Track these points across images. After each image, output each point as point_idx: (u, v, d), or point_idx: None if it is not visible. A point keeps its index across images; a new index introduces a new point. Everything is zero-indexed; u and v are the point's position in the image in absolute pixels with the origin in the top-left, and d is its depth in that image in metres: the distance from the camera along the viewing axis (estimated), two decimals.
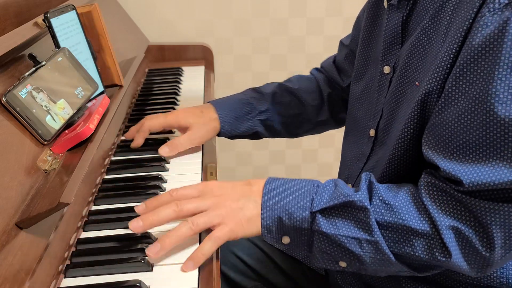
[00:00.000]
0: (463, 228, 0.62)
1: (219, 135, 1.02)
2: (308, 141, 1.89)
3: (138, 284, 0.62)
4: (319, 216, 0.67)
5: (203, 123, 0.98)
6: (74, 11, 0.89)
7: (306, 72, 1.15)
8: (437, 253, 0.64)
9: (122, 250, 0.69)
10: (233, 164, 1.89)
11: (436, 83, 0.67)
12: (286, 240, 0.69)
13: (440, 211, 0.64)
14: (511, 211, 0.60)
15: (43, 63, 0.76)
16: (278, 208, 0.68)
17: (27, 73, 0.73)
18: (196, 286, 0.63)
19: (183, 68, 1.51)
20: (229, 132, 1.02)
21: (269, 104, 1.05)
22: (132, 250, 0.69)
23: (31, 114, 0.70)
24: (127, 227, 0.74)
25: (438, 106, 0.66)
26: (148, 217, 0.67)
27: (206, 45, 1.59)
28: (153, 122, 0.98)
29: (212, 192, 0.71)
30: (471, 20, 0.63)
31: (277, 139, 1.85)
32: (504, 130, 0.59)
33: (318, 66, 1.14)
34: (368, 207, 0.65)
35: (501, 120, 0.59)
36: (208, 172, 0.92)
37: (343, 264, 0.69)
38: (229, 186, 0.72)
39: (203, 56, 1.59)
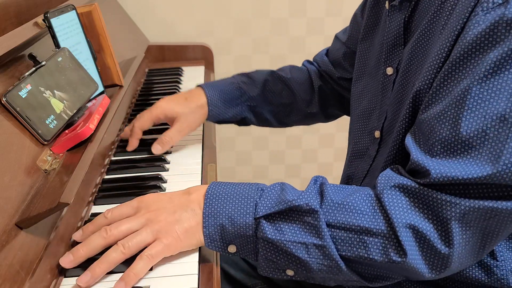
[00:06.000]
0: (421, 225, 0.60)
1: (207, 119, 1.01)
2: (308, 141, 1.89)
3: (138, 284, 0.62)
4: (263, 221, 0.63)
5: (190, 111, 0.98)
6: (74, 11, 0.89)
7: None
8: (392, 254, 0.61)
9: None
10: (233, 164, 1.89)
11: (427, 81, 0.66)
12: (232, 249, 0.65)
13: (397, 209, 0.61)
14: (470, 206, 0.59)
15: (43, 63, 0.76)
16: (221, 215, 0.64)
17: (27, 73, 0.73)
18: (196, 286, 0.63)
19: (183, 68, 1.51)
20: (217, 116, 1.01)
21: (259, 91, 1.04)
22: None
23: (31, 114, 0.70)
24: None
25: (425, 103, 0.65)
26: (78, 249, 0.64)
27: (206, 45, 1.59)
28: (142, 121, 0.98)
29: (148, 208, 0.67)
30: (465, 20, 0.62)
31: (277, 138, 1.85)
32: (467, 136, 0.60)
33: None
34: (317, 209, 0.63)
35: (464, 127, 0.60)
36: (208, 172, 0.92)
37: (290, 272, 0.65)
38: (165, 198, 0.68)
39: (203, 56, 1.59)
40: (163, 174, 0.89)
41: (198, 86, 1.03)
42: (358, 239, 0.62)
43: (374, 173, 0.80)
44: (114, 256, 0.63)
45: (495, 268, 0.71)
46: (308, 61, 1.13)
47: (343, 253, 0.63)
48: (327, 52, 1.09)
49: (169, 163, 0.94)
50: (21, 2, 0.87)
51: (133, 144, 0.98)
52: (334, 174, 1.94)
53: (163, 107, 0.98)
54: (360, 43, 0.91)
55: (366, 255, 0.62)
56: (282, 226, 0.63)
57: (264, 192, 0.66)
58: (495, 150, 0.58)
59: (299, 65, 1.14)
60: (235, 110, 1.03)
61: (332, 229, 0.63)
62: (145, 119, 0.98)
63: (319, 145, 1.90)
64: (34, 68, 0.74)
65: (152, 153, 0.96)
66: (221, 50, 1.70)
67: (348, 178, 0.90)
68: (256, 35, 1.71)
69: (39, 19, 0.83)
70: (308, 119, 1.10)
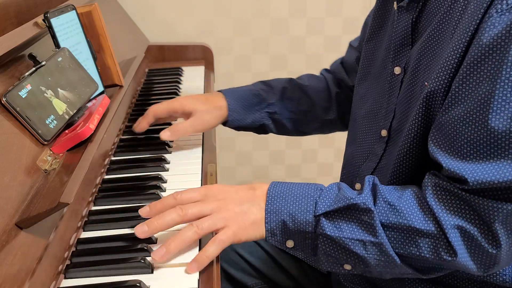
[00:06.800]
0: (468, 226, 0.63)
1: (225, 124, 1.02)
2: (308, 141, 1.89)
3: (138, 284, 0.62)
4: (323, 219, 0.67)
5: (207, 110, 0.98)
6: (74, 11, 0.89)
7: (307, 72, 1.15)
8: (442, 253, 0.64)
9: (122, 250, 0.69)
10: (233, 164, 1.89)
11: (441, 82, 0.67)
12: (290, 243, 0.70)
13: (444, 211, 0.64)
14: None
15: (43, 63, 0.76)
16: (282, 212, 0.69)
17: (27, 73, 0.73)
18: (196, 286, 0.63)
19: (183, 68, 1.51)
20: (236, 121, 1.02)
21: (278, 99, 1.05)
22: (132, 250, 0.68)
23: (31, 114, 0.70)
24: (127, 227, 0.74)
25: (445, 105, 0.66)
26: (153, 222, 0.68)
27: (206, 45, 1.59)
28: (158, 107, 0.98)
29: (215, 196, 0.71)
30: (478, 21, 0.63)
31: (277, 139, 1.85)
32: (495, 137, 0.61)
33: (318, 66, 1.17)
34: (373, 209, 0.66)
35: (491, 129, 0.61)
36: (208, 172, 0.92)
37: (348, 266, 0.69)
38: (232, 190, 0.72)
39: (203, 56, 1.59)
40: (163, 174, 0.89)
41: (219, 91, 1.03)
42: (410, 238, 0.66)
43: (382, 171, 0.81)
44: (189, 235, 0.67)
45: None
46: (326, 70, 1.14)
47: (396, 250, 0.66)
48: (342, 60, 1.11)
49: (169, 163, 0.94)
50: (21, 2, 0.87)
51: (142, 126, 0.98)
52: (334, 174, 1.94)
53: (182, 101, 0.99)
54: (366, 44, 0.91)
55: (418, 253, 0.65)
56: (340, 223, 0.67)
57: (323, 191, 0.70)
58: None
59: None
60: (254, 116, 1.03)
61: (385, 229, 0.66)
62: (162, 107, 0.98)
63: (319, 145, 1.90)
64: (34, 68, 0.74)
65: (152, 154, 0.96)
66: (221, 50, 1.70)
67: (352, 177, 0.90)
68: (256, 35, 1.71)
69: (39, 19, 0.83)
70: (326, 126, 1.11)
